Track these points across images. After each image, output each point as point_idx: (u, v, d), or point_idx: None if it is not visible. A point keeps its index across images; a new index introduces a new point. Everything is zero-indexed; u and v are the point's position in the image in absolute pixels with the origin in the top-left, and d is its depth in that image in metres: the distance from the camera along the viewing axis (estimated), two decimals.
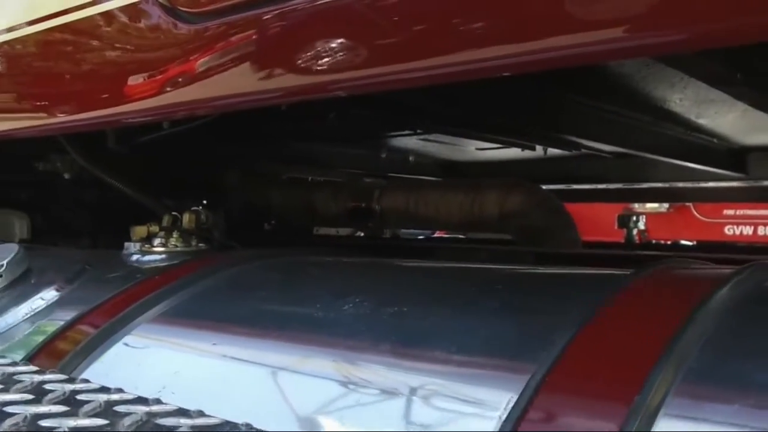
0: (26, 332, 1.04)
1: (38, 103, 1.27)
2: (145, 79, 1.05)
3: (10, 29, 1.24)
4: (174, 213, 1.55)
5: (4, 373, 0.72)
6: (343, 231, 3.55)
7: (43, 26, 1.19)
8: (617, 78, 1.76)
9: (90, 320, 0.96)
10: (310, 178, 3.33)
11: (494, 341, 0.65)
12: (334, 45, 0.83)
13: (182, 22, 1.00)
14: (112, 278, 1.15)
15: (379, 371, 0.69)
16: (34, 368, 0.75)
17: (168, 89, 1.03)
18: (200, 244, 1.29)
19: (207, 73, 0.99)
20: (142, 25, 1.07)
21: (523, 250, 1.83)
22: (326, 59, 0.84)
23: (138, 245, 1.33)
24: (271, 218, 3.26)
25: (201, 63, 1.00)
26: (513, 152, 2.84)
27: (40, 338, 0.98)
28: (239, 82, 0.97)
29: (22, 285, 1.13)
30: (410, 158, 3.27)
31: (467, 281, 0.87)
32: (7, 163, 2.59)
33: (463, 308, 0.74)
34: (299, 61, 0.87)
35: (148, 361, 0.85)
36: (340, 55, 0.82)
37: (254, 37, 0.90)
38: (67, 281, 1.13)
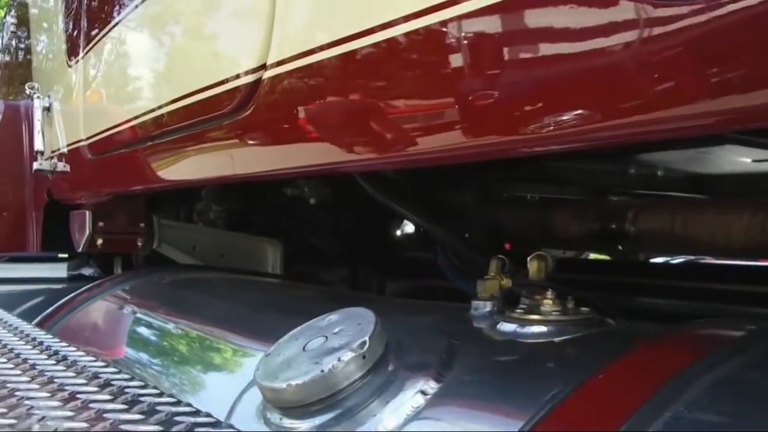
0: None
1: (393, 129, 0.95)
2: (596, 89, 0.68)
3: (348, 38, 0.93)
4: (501, 256, 1.19)
5: None
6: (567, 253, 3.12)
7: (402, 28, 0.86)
8: None
9: None
10: (529, 196, 2.94)
11: None
12: None
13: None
14: (506, 365, 0.79)
15: None
16: None
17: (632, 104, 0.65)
18: (582, 308, 0.91)
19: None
20: (564, 9, 0.70)
21: None
22: None
23: (490, 305, 0.97)
24: (502, 241, 2.90)
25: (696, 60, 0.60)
26: None
27: None
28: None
29: (384, 368, 0.80)
30: (658, 173, 2.78)
31: None
32: (253, 190, 2.39)
33: None
34: None
35: None
36: None
37: None
38: (442, 365, 0.78)
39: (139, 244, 2.10)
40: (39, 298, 1.99)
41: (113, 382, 0.86)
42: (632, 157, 2.51)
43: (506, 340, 0.83)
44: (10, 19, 3.28)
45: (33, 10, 2.90)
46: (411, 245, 2.35)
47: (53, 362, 1.00)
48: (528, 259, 1.10)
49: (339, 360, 0.76)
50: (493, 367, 0.77)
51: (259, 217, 2.51)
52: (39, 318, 1.67)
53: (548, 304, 0.89)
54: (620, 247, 2.54)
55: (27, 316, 1.71)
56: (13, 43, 3.29)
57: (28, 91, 2.24)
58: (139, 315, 1.35)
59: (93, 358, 1.01)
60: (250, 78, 1.16)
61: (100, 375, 0.91)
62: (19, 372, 0.94)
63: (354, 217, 2.34)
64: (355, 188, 2.06)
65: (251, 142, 1.22)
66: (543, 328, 0.83)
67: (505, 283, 1.00)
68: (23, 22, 3.13)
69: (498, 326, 0.87)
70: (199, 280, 1.60)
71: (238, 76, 1.19)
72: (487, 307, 0.97)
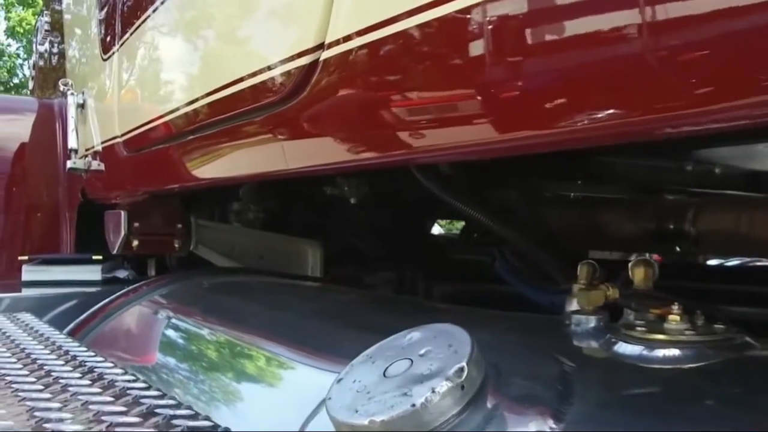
0: None
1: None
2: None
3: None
4: (590, 261, 1.02)
5: None
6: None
7: None
8: None
9: None
10: (572, 195, 2.76)
11: None
12: None
13: None
14: (648, 401, 0.63)
15: None
16: None
17: None
18: (716, 325, 0.74)
19: None
20: None
21: None
22: None
23: (595, 320, 0.81)
24: (555, 243, 2.72)
25: None
26: None
27: None
28: None
29: (483, 402, 0.64)
30: (716, 170, 2.59)
31: None
32: (291, 189, 2.25)
33: None
34: None
35: None
36: None
37: None
38: (559, 398, 0.63)
39: (176, 245, 1.96)
40: (73, 301, 1.87)
41: (116, 384, 0.82)
42: (689, 153, 2.33)
43: (633, 366, 0.66)
44: (45, 18, 3.18)
45: (66, 16, 2.79)
46: (455, 247, 2.19)
47: (62, 362, 0.94)
48: (630, 264, 0.93)
49: (433, 391, 0.61)
50: (631, 403, 0.61)
51: (297, 217, 2.37)
52: (73, 324, 1.54)
53: (675, 320, 0.72)
54: (678, 249, 2.36)
55: (60, 320, 1.59)
56: (47, 46, 3.19)
57: (62, 88, 2.12)
58: (181, 323, 1.21)
59: (101, 359, 0.92)
60: (304, 60, 1.00)
61: (105, 376, 0.85)
62: (26, 372, 0.88)
63: (394, 218, 2.18)
64: (395, 187, 1.90)
65: (304, 133, 1.06)
66: (676, 351, 0.67)
67: (611, 294, 0.84)
68: (56, 25, 3.03)
69: (615, 347, 0.71)
70: (243, 284, 1.46)
71: (289, 60, 1.04)
72: (591, 322, 0.81)
